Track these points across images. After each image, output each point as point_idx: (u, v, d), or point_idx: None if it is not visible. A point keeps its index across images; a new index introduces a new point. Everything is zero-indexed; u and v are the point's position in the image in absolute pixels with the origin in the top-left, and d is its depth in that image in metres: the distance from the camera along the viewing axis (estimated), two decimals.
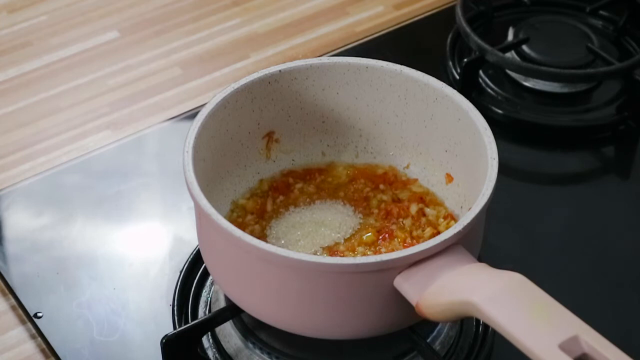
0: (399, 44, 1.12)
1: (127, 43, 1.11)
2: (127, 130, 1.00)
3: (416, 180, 0.83)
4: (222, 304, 0.80)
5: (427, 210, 0.80)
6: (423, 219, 0.80)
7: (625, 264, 0.89)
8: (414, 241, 0.77)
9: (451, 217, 0.79)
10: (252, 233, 0.77)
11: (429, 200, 0.81)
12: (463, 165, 0.78)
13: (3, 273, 0.86)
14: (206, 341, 0.80)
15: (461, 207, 0.79)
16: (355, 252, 0.77)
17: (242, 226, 0.79)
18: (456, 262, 0.67)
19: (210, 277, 0.83)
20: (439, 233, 0.77)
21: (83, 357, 0.80)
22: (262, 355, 0.78)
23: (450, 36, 1.09)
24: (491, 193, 0.70)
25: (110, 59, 1.09)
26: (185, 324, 0.78)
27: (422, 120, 0.81)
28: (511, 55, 1.05)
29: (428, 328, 0.78)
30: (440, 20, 1.14)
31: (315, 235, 0.78)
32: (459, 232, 0.68)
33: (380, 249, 0.77)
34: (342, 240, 0.78)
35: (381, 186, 0.83)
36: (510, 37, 1.07)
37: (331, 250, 0.77)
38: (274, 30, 1.13)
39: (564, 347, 0.59)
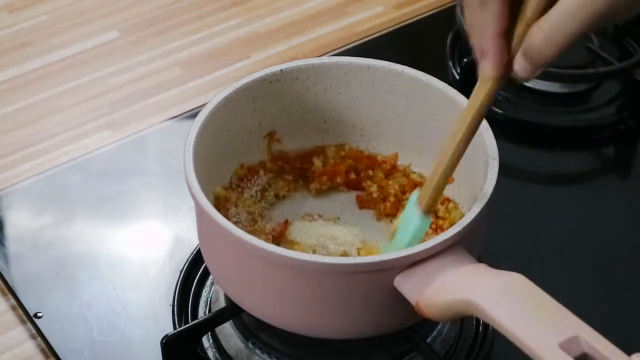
0: (399, 44, 1.12)
1: (127, 43, 1.11)
2: (127, 130, 1.00)
3: (410, 165, 0.83)
4: (222, 304, 0.80)
5: None
6: None
7: (625, 264, 0.89)
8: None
9: (448, 201, 0.79)
10: None
11: None
12: (464, 165, 0.78)
13: (3, 273, 0.86)
14: (206, 341, 0.80)
15: (462, 207, 0.79)
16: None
17: None
18: (456, 263, 0.67)
19: (210, 277, 0.83)
20: (437, 218, 0.78)
21: (83, 357, 0.80)
22: (262, 355, 0.78)
23: (450, 36, 1.09)
24: (491, 193, 0.70)
25: (110, 59, 1.09)
26: (185, 324, 0.78)
27: (424, 120, 0.81)
28: None
29: (428, 328, 0.78)
30: (440, 20, 1.14)
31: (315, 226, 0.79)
32: (459, 232, 0.68)
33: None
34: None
35: (379, 173, 0.83)
36: None
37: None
38: (274, 30, 1.13)
39: (564, 346, 0.59)
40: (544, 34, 0.61)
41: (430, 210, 0.70)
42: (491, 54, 0.63)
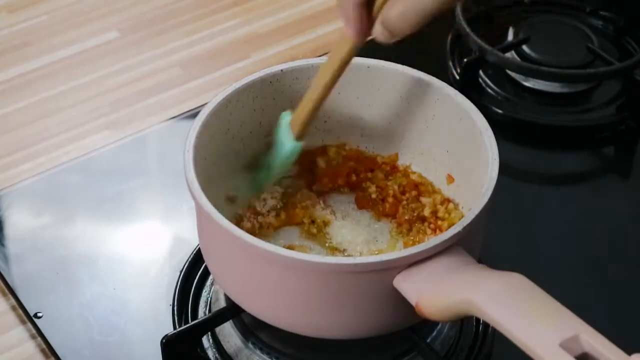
0: (399, 44, 1.11)
1: (127, 43, 1.11)
2: (127, 130, 1.00)
3: (410, 165, 0.83)
4: (222, 304, 0.80)
5: (423, 200, 0.80)
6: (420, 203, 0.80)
7: (625, 263, 0.89)
8: (416, 217, 0.78)
9: (448, 201, 0.79)
10: None
11: (424, 190, 0.81)
12: (464, 165, 0.78)
13: (3, 273, 0.86)
14: (206, 341, 0.80)
15: (462, 207, 0.79)
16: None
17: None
18: (456, 263, 0.67)
19: (210, 277, 0.83)
20: (437, 218, 0.78)
21: (83, 357, 0.80)
22: (262, 355, 0.78)
23: (450, 36, 1.09)
24: (492, 194, 0.70)
25: (110, 59, 1.09)
26: (185, 324, 0.78)
27: (424, 120, 0.81)
28: (511, 55, 1.05)
29: (428, 328, 0.78)
30: (440, 20, 1.13)
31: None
32: (459, 233, 0.68)
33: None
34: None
35: (379, 174, 0.83)
36: (510, 37, 1.07)
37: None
38: (274, 30, 1.13)
39: (564, 345, 0.59)
40: (399, 11, 0.66)
41: (302, 136, 0.76)
42: (352, 22, 0.70)
